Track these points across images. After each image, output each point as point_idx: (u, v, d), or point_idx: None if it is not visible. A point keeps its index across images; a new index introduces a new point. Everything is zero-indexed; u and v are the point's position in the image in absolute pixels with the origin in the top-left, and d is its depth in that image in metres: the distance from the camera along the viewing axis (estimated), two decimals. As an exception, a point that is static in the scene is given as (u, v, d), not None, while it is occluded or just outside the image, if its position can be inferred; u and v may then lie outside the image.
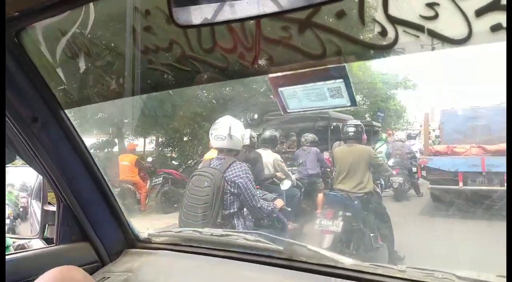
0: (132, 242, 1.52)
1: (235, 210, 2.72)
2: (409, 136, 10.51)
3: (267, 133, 5.36)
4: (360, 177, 4.30)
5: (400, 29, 0.64)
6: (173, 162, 10.25)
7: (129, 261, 1.43)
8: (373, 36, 0.66)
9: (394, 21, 0.64)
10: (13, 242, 1.85)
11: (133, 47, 0.92)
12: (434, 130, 11.94)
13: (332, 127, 8.95)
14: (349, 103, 0.79)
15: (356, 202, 4.19)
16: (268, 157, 4.98)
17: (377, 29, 0.65)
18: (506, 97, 0.71)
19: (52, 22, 1.00)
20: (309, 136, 6.70)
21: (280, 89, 0.84)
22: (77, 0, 0.89)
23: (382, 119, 16.79)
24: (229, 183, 2.69)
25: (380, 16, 0.64)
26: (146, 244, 1.52)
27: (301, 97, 0.83)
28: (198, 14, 0.58)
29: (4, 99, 0.72)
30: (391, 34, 0.65)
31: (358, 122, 4.74)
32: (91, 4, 0.92)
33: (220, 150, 2.89)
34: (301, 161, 6.51)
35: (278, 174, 5.03)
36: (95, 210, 1.41)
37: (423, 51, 0.66)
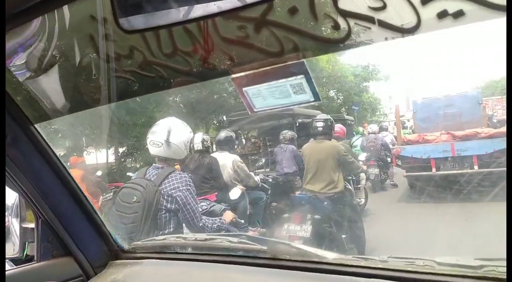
0: (116, 253, 1.50)
1: (171, 230, 2.21)
2: (382, 128, 10.76)
3: (222, 134, 4.95)
4: (330, 175, 3.98)
5: (351, 22, 0.64)
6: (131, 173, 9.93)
7: (114, 273, 1.41)
8: (327, 31, 0.66)
9: (345, 14, 0.64)
10: None
11: (95, 56, 0.91)
12: (408, 120, 12.19)
13: (297, 125, 8.81)
14: (312, 99, 0.79)
15: (325, 203, 3.87)
16: (226, 160, 4.62)
17: (330, 23, 0.65)
18: (506, 98, 0.75)
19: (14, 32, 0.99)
20: (288, 133, 6.58)
21: (244, 89, 0.84)
22: (30, 12, 0.88)
23: (358, 113, 17.00)
24: (165, 197, 2.20)
25: (331, 10, 0.64)
26: (131, 254, 1.50)
27: (266, 96, 0.83)
28: (142, 20, 0.58)
29: (4, 99, 0.70)
30: (343, 27, 0.65)
31: (327, 116, 4.35)
32: (53, 15, 0.90)
33: (159, 159, 2.40)
34: (278, 159, 6.42)
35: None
36: (75, 223, 1.39)
37: (378, 42, 0.66)
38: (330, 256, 1.18)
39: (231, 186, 4.49)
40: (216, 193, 4.17)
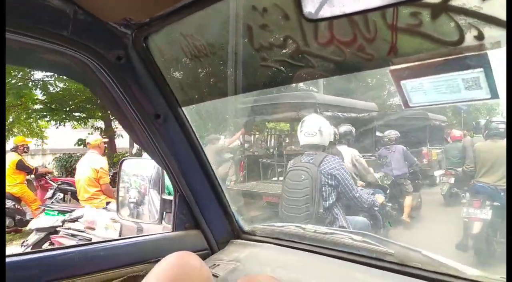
0: (237, 232, 1.58)
1: (334, 200, 2.81)
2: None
3: (342, 128, 5.09)
4: (504, 171, 4.57)
5: None
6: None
7: (235, 251, 1.49)
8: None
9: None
10: None
11: (248, 45, 0.94)
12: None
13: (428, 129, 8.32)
14: (488, 96, 0.69)
15: (502, 194, 4.50)
16: (345, 153, 4.72)
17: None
18: (506, 98, 0.69)
19: (173, 26, 1.09)
20: (392, 133, 6.17)
21: (402, 82, 0.78)
22: (198, 3, 0.95)
23: (466, 113, 14.98)
24: (326, 175, 2.80)
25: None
26: (250, 236, 1.57)
27: (427, 90, 0.76)
28: (327, 7, 0.57)
29: (4, 100, 0.78)
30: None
31: (503, 119, 5.00)
32: (210, 6, 0.96)
33: (309, 147, 3.01)
34: (384, 161, 6.02)
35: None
36: (206, 200, 1.50)
37: None
38: (471, 272, 1.06)
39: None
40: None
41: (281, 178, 6.74)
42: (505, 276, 0.82)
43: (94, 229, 3.91)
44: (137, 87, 1.23)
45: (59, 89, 10.74)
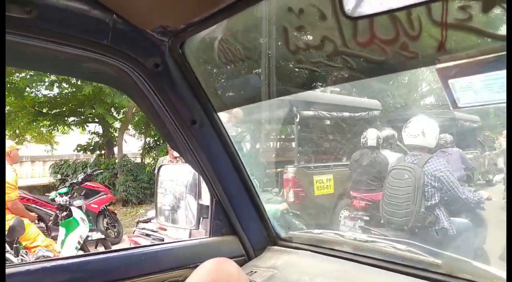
0: (274, 239, 1.56)
1: (436, 201, 2.89)
2: None
3: (385, 132, 4.95)
4: None
5: None
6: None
7: (272, 258, 1.47)
8: None
9: None
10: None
11: (283, 48, 0.92)
12: None
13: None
14: (549, 93, 0.63)
15: None
16: (390, 158, 4.56)
17: None
18: (506, 98, 0.66)
19: (208, 31, 1.09)
20: (447, 136, 5.90)
21: (450, 81, 0.73)
22: (232, 8, 0.94)
23: None
24: (430, 176, 2.89)
25: None
26: (287, 243, 1.54)
27: (479, 89, 0.71)
28: (368, 3, 0.54)
29: (4, 100, 0.78)
30: None
31: None
32: (245, 10, 0.95)
33: (413, 147, 3.13)
34: None
35: None
36: (242, 206, 1.49)
37: None
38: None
39: None
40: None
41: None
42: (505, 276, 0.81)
43: (165, 229, 4.03)
44: (173, 94, 1.25)
45: (55, 92, 10.50)
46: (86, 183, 7.00)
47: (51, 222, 5.94)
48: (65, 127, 11.47)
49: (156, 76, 1.20)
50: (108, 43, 1.07)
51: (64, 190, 6.02)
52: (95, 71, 1.24)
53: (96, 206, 6.91)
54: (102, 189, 7.47)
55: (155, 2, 0.98)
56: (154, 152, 11.74)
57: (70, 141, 12.24)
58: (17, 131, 11.08)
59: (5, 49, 1.07)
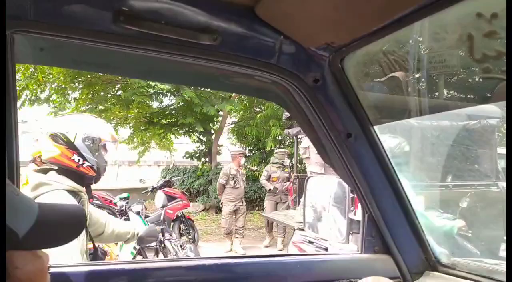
0: (433, 264, 1.42)
1: None
2: None
3: None
4: None
5: None
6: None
7: (432, 285, 1.34)
8: None
9: None
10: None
11: (464, 58, 0.85)
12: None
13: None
14: None
15: None
16: None
17: None
18: (506, 98, 0.72)
19: (373, 45, 1.07)
20: None
21: None
22: (402, 22, 0.91)
23: None
24: None
25: None
26: (450, 270, 1.38)
27: None
28: None
29: (4, 99, 0.78)
30: None
31: None
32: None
33: None
34: None
35: None
36: (397, 224, 1.40)
37: None
38: None
39: None
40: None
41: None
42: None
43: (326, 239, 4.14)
44: (330, 107, 1.27)
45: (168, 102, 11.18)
46: (164, 189, 7.14)
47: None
48: (173, 135, 12.49)
49: (314, 91, 1.24)
50: (274, 62, 1.15)
51: (125, 195, 6.28)
52: (259, 88, 1.35)
53: (171, 212, 6.94)
54: (178, 195, 7.50)
55: (322, 21, 1.01)
56: (248, 161, 11.92)
57: (186, 148, 13.39)
58: (144, 139, 12.39)
59: (191, 73, 1.27)
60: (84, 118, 1.91)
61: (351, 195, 1.60)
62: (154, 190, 7.21)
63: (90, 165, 1.75)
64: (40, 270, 0.69)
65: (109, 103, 10.69)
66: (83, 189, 1.76)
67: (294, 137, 7.95)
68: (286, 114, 7.25)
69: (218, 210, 10.49)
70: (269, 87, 1.28)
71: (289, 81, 1.22)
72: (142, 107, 11.03)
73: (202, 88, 9.80)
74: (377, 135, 1.32)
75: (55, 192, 1.62)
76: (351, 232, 1.53)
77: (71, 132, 1.74)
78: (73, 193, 1.67)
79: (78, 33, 0.95)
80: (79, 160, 1.72)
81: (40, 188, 1.62)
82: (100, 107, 10.71)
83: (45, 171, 1.74)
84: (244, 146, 12.95)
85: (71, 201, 1.62)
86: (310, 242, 4.11)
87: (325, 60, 1.20)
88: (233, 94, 10.37)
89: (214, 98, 10.46)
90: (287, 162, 8.67)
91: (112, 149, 1.89)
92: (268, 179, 8.05)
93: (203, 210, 11.51)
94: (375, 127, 1.32)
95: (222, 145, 12.86)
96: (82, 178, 1.76)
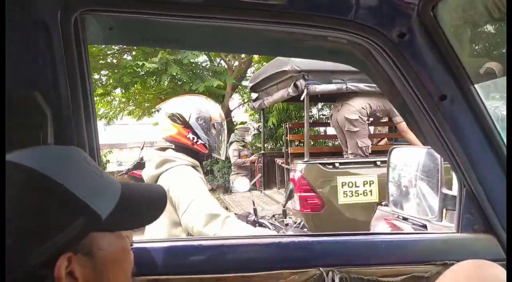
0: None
1: None
2: None
3: None
4: None
5: None
6: None
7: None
8: None
9: None
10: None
11: None
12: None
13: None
14: None
15: None
16: None
17: None
18: (506, 98, 0.71)
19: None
20: None
21: None
22: None
23: None
24: None
25: None
26: None
27: None
28: None
29: (4, 99, 0.65)
30: None
31: None
32: None
33: None
34: None
35: None
36: (502, 200, 1.19)
37: None
38: None
39: None
40: None
41: None
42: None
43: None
44: (419, 66, 1.09)
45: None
46: (134, 171, 6.23)
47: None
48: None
49: (399, 48, 1.06)
50: (351, 18, 1.00)
51: None
52: (333, 50, 1.21)
53: None
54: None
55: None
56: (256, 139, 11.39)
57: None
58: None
59: (261, 41, 1.17)
60: (197, 99, 2.03)
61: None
62: (127, 172, 6.38)
63: (203, 142, 1.88)
64: (124, 249, 0.69)
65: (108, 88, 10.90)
66: (199, 165, 1.89)
67: (260, 111, 7.51)
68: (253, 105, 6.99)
69: (226, 190, 10.06)
70: (345, 48, 1.14)
71: (368, 39, 1.06)
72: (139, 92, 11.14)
73: (190, 63, 9.32)
74: (479, 96, 1.11)
75: (180, 167, 1.75)
76: (445, 209, 1.35)
77: (185, 112, 1.86)
78: (193, 168, 1.77)
79: (147, 7, 0.92)
80: (193, 138, 1.85)
81: (166, 164, 1.77)
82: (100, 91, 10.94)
83: (163, 150, 1.90)
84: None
85: (195, 174, 1.74)
86: (405, 219, 3.86)
87: (413, 9, 1.01)
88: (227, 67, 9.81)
89: (207, 74, 9.84)
90: (248, 139, 8.35)
91: (221, 128, 2.00)
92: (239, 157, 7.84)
93: (210, 190, 11.32)
94: (477, 86, 1.10)
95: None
96: (196, 155, 1.89)
